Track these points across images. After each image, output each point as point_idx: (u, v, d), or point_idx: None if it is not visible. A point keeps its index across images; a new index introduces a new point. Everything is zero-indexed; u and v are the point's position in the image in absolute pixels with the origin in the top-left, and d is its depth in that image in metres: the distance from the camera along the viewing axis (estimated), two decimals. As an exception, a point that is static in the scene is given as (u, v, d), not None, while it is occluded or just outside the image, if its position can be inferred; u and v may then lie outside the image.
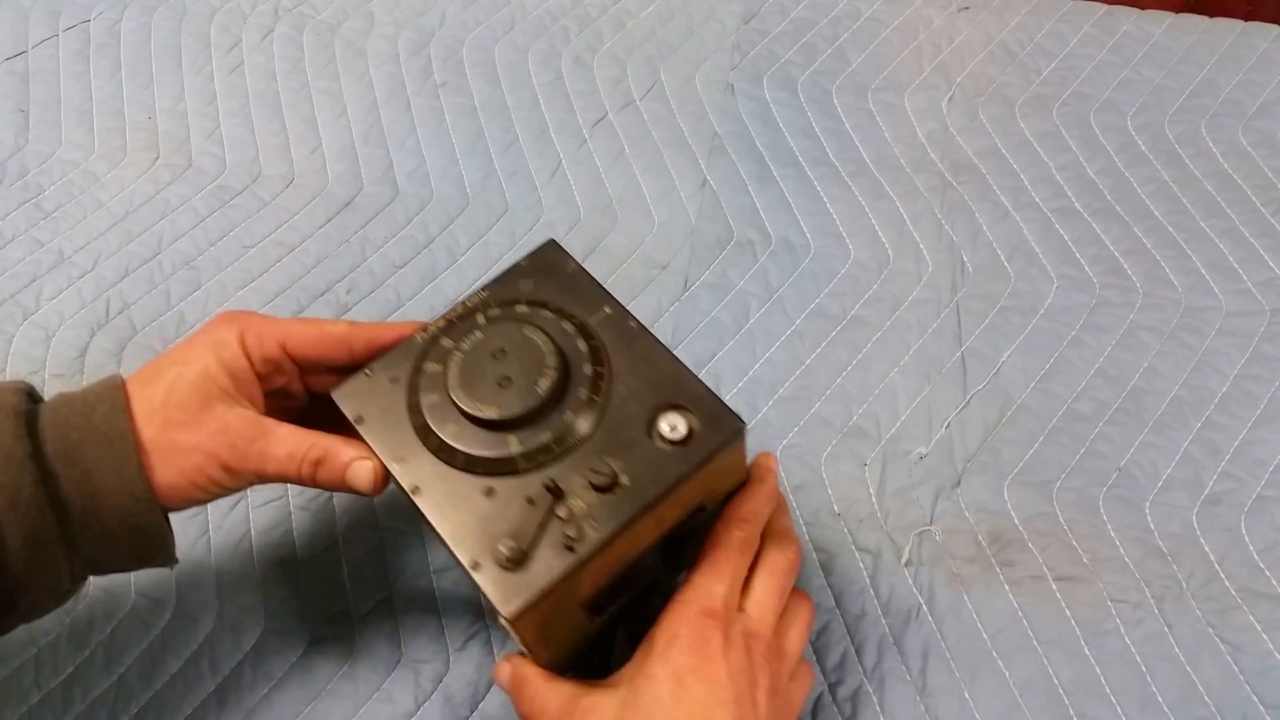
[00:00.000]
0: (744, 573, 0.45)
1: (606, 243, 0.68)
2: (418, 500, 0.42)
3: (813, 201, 0.69)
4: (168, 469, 0.43)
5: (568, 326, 0.45)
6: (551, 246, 0.49)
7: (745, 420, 0.43)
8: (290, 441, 0.45)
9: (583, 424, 0.42)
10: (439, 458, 0.43)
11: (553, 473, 0.42)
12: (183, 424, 0.43)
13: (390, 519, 0.57)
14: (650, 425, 0.42)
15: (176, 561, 0.46)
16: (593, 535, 0.40)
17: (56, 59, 0.78)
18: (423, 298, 0.65)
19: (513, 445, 0.42)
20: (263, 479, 0.46)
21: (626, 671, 0.43)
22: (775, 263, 0.66)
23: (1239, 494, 0.56)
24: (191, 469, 0.44)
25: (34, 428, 0.42)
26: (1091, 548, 0.55)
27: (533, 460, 0.42)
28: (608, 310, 0.46)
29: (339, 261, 0.67)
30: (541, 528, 0.40)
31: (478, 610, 0.54)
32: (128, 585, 0.55)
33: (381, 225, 0.69)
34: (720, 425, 0.42)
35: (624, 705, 0.41)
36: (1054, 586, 0.54)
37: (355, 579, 0.55)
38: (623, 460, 0.42)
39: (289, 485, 0.57)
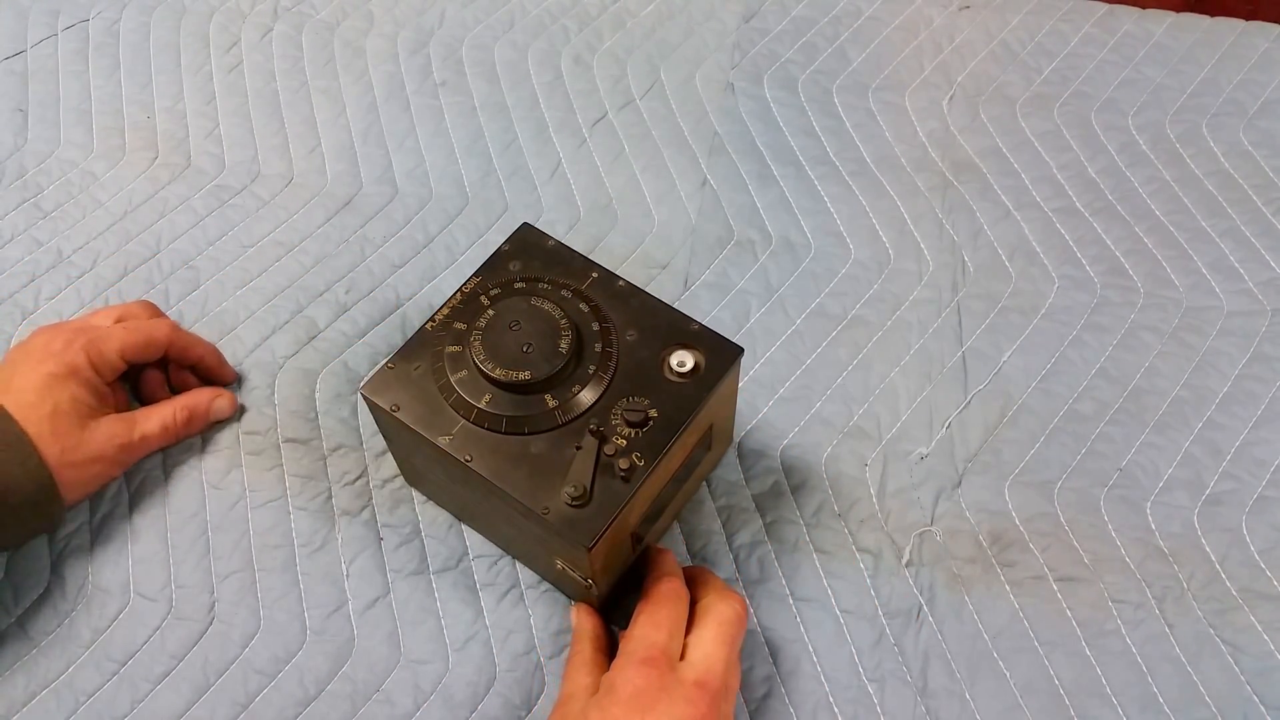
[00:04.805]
0: (682, 622, 0.46)
1: (606, 242, 0.67)
2: (475, 468, 0.45)
3: (813, 201, 0.69)
4: (73, 478, 0.52)
5: (566, 293, 0.50)
6: (527, 228, 0.53)
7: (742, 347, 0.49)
8: (157, 415, 0.56)
9: (603, 374, 0.47)
10: (480, 426, 0.46)
11: (588, 419, 0.46)
12: (74, 448, 0.52)
13: (389, 519, 0.57)
14: (662, 364, 0.48)
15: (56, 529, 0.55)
16: (642, 464, 0.45)
17: (55, 58, 0.78)
18: (422, 297, 0.65)
19: (549, 402, 0.46)
20: (150, 453, 0.57)
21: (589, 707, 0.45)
22: (775, 262, 0.66)
23: (1240, 494, 0.56)
24: (95, 476, 0.54)
25: None
26: (1092, 548, 0.55)
27: (569, 411, 0.46)
28: (595, 275, 0.51)
29: (338, 261, 0.67)
30: (596, 467, 0.45)
31: (477, 610, 0.54)
32: (127, 585, 0.55)
33: (381, 225, 0.69)
34: (722, 352, 0.48)
35: None
36: (1055, 587, 0.54)
37: (355, 578, 0.55)
38: (648, 398, 0.47)
39: (287, 486, 0.57)
